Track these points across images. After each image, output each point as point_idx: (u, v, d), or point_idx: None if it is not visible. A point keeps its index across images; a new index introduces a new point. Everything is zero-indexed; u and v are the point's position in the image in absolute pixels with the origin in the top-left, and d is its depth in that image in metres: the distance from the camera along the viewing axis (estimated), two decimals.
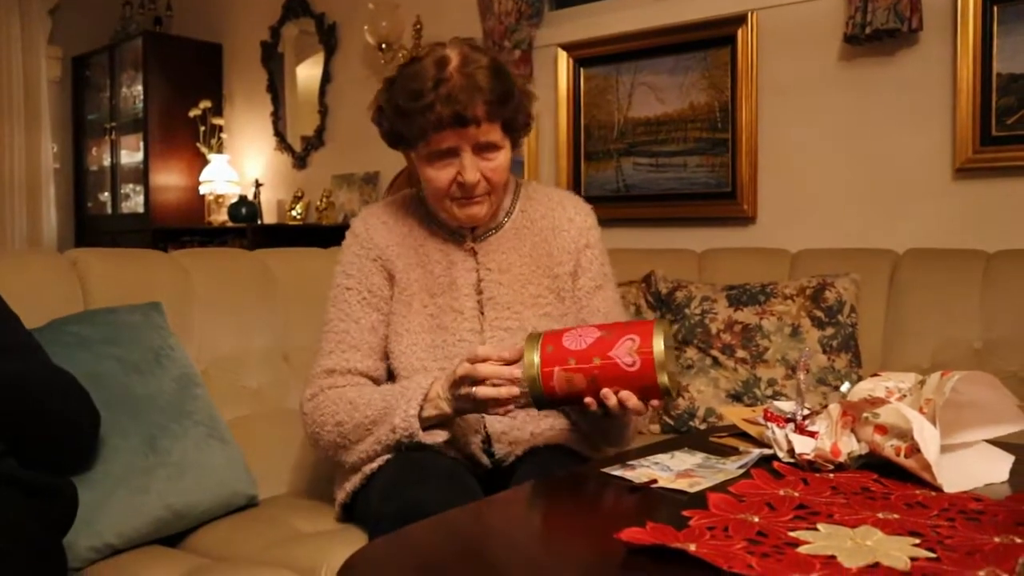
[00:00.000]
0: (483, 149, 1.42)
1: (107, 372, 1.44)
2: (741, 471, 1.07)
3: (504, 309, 1.48)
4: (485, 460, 1.44)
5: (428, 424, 1.36)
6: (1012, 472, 1.06)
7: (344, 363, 1.46)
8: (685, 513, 0.88)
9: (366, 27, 3.61)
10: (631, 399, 1.17)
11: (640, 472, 1.07)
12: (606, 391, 1.16)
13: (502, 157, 1.44)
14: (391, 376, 1.51)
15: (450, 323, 1.47)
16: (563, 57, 3.11)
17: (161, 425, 1.46)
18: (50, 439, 1.26)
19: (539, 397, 1.19)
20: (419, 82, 1.37)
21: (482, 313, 1.49)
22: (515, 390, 1.23)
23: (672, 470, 1.08)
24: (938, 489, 0.98)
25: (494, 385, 1.25)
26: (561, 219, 1.56)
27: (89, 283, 1.67)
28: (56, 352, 1.36)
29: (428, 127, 1.37)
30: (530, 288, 1.51)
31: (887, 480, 1.02)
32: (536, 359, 1.17)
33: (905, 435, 1.01)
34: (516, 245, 1.54)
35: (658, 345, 1.13)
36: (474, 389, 1.26)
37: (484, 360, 1.25)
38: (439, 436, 1.37)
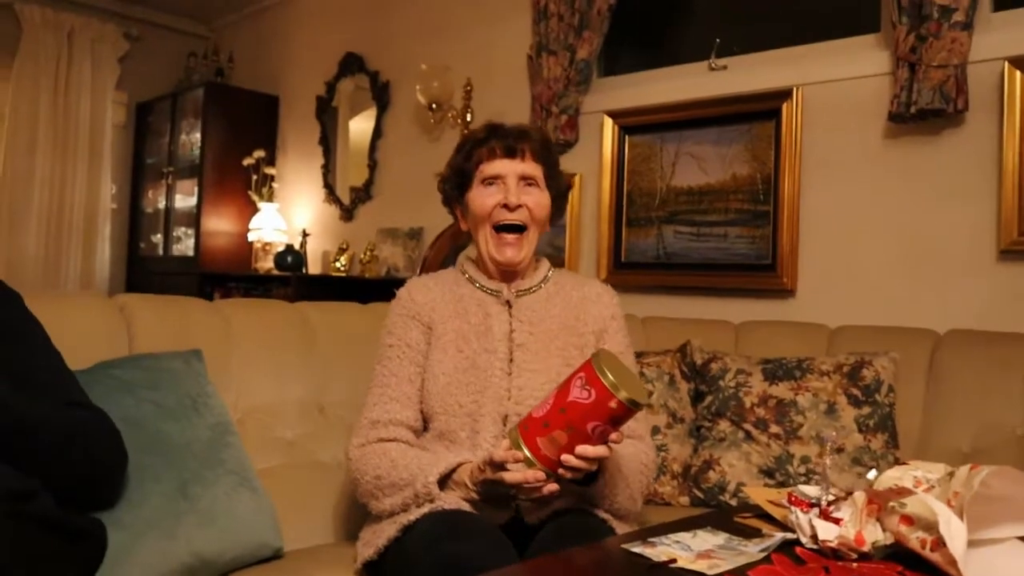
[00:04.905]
0: (527, 181, 1.65)
1: (145, 416, 1.48)
2: (762, 555, 1.06)
3: (532, 355, 1.61)
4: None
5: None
6: None
7: (386, 414, 1.60)
8: None
9: (418, 87, 3.71)
10: (605, 430, 1.28)
11: (660, 550, 1.06)
12: (581, 448, 1.28)
13: (543, 197, 1.67)
14: (427, 419, 1.62)
15: (483, 363, 1.59)
16: (609, 124, 3.15)
17: (194, 471, 1.49)
18: (75, 480, 1.27)
19: (547, 472, 1.32)
20: (480, 131, 1.70)
21: (511, 358, 1.61)
22: (540, 474, 1.33)
23: (693, 550, 1.07)
24: None
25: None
26: (591, 293, 1.74)
27: (135, 328, 1.72)
28: (97, 394, 1.39)
29: (483, 157, 1.65)
30: (557, 341, 1.64)
31: (912, 573, 1.00)
32: (523, 446, 1.31)
33: (931, 527, 1.00)
34: (547, 307, 1.69)
35: (600, 370, 1.24)
36: (505, 476, 1.35)
37: (502, 461, 1.34)
38: (456, 497, 1.47)
